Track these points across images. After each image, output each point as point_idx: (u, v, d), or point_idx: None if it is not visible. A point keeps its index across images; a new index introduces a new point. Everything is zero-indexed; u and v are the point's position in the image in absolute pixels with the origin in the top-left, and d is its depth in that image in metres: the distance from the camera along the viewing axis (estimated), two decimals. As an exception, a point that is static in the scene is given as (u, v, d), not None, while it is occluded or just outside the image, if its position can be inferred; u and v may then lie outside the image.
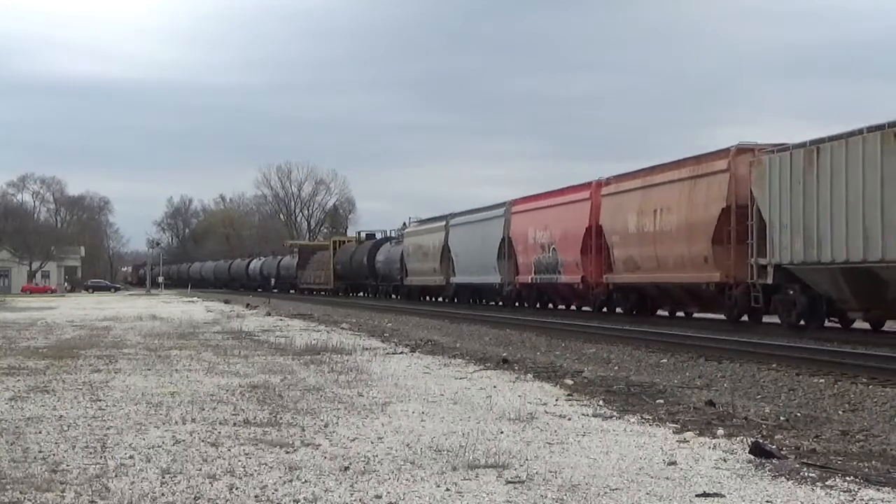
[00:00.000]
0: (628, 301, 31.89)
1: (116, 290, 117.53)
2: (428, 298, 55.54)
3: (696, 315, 30.36)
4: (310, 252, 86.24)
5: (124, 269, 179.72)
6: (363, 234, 72.66)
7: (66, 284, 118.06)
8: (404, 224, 66.22)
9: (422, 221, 57.26)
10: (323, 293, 77.22)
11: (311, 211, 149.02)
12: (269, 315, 38.85)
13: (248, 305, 50.31)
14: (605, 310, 33.89)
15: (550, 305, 40.33)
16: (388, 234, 67.07)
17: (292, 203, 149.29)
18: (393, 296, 62.62)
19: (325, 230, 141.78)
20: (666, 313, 31.79)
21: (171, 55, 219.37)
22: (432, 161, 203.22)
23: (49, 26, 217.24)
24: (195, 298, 72.58)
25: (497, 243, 41.70)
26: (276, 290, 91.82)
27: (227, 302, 58.13)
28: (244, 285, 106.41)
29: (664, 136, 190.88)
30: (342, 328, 28.85)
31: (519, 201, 41.10)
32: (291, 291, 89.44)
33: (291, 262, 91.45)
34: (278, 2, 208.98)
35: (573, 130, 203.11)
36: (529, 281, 38.74)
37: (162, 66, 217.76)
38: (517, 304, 41.55)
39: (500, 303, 43.87)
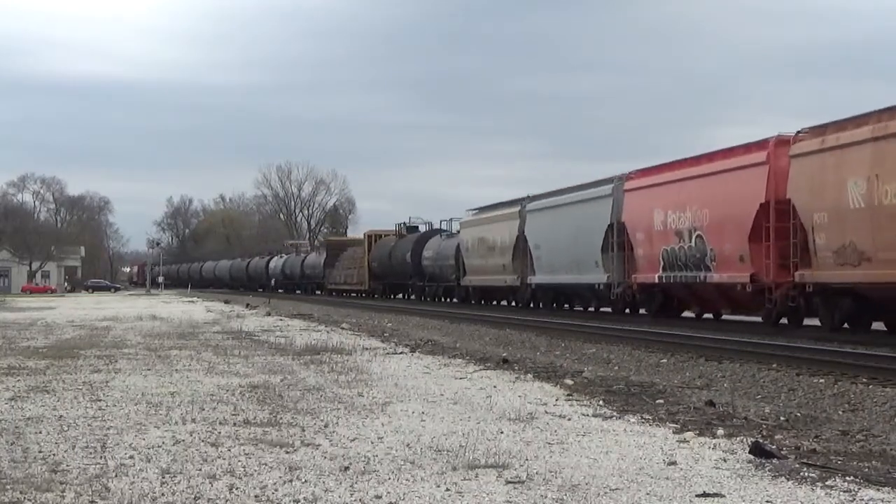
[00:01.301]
0: (838, 308, 22.01)
1: (116, 290, 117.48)
2: (492, 302, 46.44)
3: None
4: (339, 248, 75.11)
5: (128, 269, 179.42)
6: (405, 227, 62.79)
7: (66, 284, 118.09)
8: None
9: (484, 208, 46.69)
10: (354, 294, 67.62)
11: (311, 211, 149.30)
12: (269, 315, 38.85)
13: (248, 305, 50.31)
14: (784, 320, 24.11)
15: (682, 313, 29.98)
16: (440, 226, 56.84)
17: (292, 203, 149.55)
18: (445, 299, 52.03)
19: (325, 230, 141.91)
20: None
21: (171, 55, 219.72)
22: (432, 161, 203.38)
23: (49, 26, 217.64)
24: (195, 298, 72.58)
25: (601, 231, 32.09)
26: (298, 292, 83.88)
27: (226, 302, 58.14)
28: (263, 286, 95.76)
29: (664, 136, 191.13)
30: (342, 328, 28.85)
31: (637, 175, 31.24)
32: (318, 293, 79.01)
33: (318, 259, 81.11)
34: (278, 1, 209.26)
35: (573, 130, 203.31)
36: (655, 280, 29.09)
37: (162, 66, 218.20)
38: (629, 310, 32.11)
39: (608, 309, 33.87)
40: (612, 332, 23.75)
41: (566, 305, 38.65)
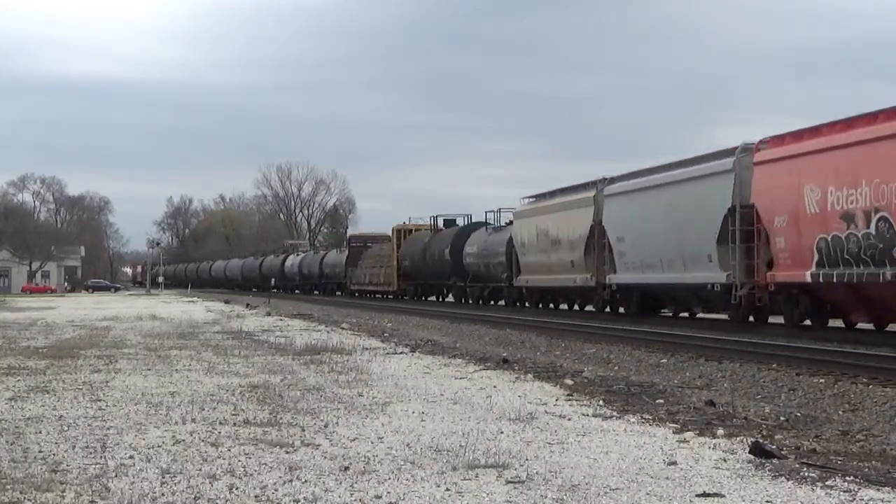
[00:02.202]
0: None
1: (116, 290, 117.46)
2: (551, 305, 38.91)
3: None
4: (363, 245, 68.67)
5: (128, 269, 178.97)
6: (441, 220, 55.81)
7: (66, 284, 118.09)
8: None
9: (544, 195, 38.86)
10: (379, 296, 60.90)
11: (311, 211, 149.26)
12: (269, 315, 38.85)
13: (248, 305, 50.34)
14: None
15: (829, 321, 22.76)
16: (484, 219, 49.78)
17: (292, 203, 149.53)
18: (491, 302, 44.82)
19: (325, 230, 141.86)
20: None
21: (171, 55, 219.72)
22: (432, 161, 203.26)
23: (49, 26, 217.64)
24: (195, 298, 72.58)
25: (718, 217, 25.01)
26: (316, 293, 78.10)
27: (227, 302, 58.16)
28: (278, 286, 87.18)
29: (664, 136, 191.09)
30: (342, 328, 28.85)
31: (772, 142, 23.59)
32: (338, 294, 72.54)
33: (339, 257, 74.22)
34: (278, 1, 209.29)
35: (573, 130, 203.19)
36: (806, 279, 21.89)
37: (162, 66, 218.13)
38: (752, 317, 24.86)
39: (722, 316, 26.49)
40: (612, 332, 23.74)
41: (655, 310, 30.66)
